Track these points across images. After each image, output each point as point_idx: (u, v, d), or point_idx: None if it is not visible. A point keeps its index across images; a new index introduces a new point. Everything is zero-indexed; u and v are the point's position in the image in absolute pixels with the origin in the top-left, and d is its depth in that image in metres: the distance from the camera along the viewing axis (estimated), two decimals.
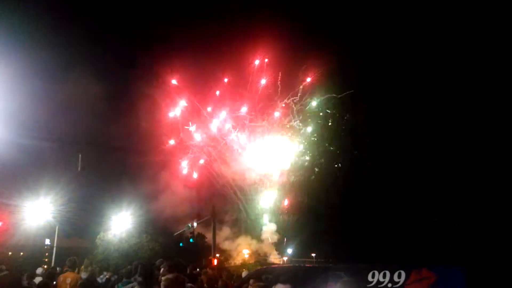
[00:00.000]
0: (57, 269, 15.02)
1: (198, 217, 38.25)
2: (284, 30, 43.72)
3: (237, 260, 48.05)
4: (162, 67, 47.58)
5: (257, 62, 46.91)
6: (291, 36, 44.29)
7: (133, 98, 47.21)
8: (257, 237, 49.01)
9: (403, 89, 25.79)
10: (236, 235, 49.22)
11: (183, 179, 48.00)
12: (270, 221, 48.37)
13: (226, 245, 47.94)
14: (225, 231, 48.37)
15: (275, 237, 48.74)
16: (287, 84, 47.01)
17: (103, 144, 46.06)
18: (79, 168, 26.10)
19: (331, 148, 30.73)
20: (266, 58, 46.82)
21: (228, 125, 48.16)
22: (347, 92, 35.35)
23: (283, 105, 47.01)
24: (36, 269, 17.24)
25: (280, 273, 12.07)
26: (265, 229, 49.05)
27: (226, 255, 47.87)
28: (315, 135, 37.69)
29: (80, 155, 25.91)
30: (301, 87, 45.97)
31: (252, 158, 47.30)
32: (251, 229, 49.02)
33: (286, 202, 45.24)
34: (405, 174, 21.84)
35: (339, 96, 37.25)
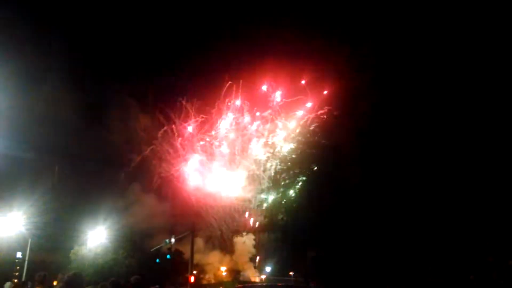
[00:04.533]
0: (29, 283, 14.47)
1: (175, 233, 37.67)
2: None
3: (214, 277, 47.41)
4: (140, 80, 47.52)
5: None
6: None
7: (110, 110, 46.62)
8: (233, 253, 48.61)
9: (384, 107, 26.03)
10: (211, 251, 48.72)
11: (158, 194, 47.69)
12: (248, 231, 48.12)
13: (202, 261, 47.29)
14: (201, 247, 47.79)
15: (253, 251, 48.44)
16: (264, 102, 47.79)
17: (79, 156, 45.21)
18: (55, 180, 25.48)
19: (313, 167, 30.76)
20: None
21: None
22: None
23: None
24: (4, 283, 16.57)
25: None
26: (240, 246, 48.77)
27: (203, 272, 47.17)
28: (293, 155, 37.67)
29: (56, 167, 25.32)
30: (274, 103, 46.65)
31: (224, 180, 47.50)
32: (226, 246, 48.68)
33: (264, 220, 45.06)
34: (387, 195, 21.91)
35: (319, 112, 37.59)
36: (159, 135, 47.44)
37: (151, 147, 47.26)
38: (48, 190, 34.45)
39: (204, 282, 45.83)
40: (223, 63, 47.78)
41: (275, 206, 36.63)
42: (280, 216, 34.00)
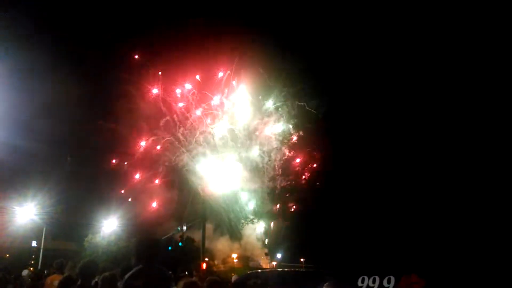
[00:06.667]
0: (45, 271, 14.85)
1: (186, 220, 38.04)
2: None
3: (226, 264, 47.90)
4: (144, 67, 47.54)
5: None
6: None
7: (122, 99, 46.72)
8: (244, 240, 49.02)
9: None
10: (222, 239, 49.14)
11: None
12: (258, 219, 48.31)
13: (214, 249, 47.74)
14: (210, 235, 48.21)
15: (264, 238, 48.81)
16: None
17: (90, 146, 45.72)
18: (68, 170, 25.90)
19: (323, 153, 30.82)
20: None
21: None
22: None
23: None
24: (22, 271, 17.04)
25: (269, 277, 12.04)
26: (251, 232, 49.13)
27: (213, 259, 47.66)
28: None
29: (68, 158, 25.70)
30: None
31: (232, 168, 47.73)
32: (235, 233, 49.10)
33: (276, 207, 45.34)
34: (400, 186, 21.96)
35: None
36: (161, 124, 47.73)
37: (152, 138, 47.55)
38: (61, 180, 34.96)
39: (215, 269, 46.33)
40: (224, 53, 47.48)
41: (285, 193, 36.88)
42: (290, 203, 34.25)
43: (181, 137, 48.02)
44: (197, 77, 48.43)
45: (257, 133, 47.48)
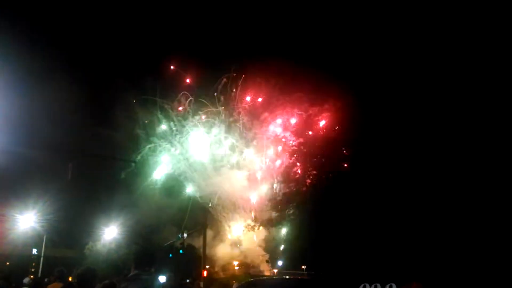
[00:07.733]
0: (45, 279, 14.80)
1: (186, 227, 38.06)
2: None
3: (227, 272, 47.75)
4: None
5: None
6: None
7: (113, 107, 46.88)
8: (245, 247, 48.93)
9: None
10: (222, 246, 49.06)
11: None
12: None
13: (214, 256, 47.64)
14: (210, 242, 48.15)
15: (264, 245, 48.72)
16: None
17: (93, 153, 45.76)
18: (69, 177, 25.84)
19: (323, 160, 30.79)
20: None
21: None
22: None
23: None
24: (23, 279, 16.97)
25: (270, 285, 12.02)
26: (252, 239, 49.08)
27: (214, 266, 47.56)
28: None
29: (71, 164, 25.66)
30: None
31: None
32: (234, 241, 49.09)
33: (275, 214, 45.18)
34: (402, 191, 21.86)
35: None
36: (158, 132, 47.93)
37: (149, 146, 47.67)
38: (62, 188, 34.97)
39: (216, 276, 46.20)
40: (226, 60, 47.75)
41: (286, 200, 36.69)
42: (291, 210, 34.14)
43: (178, 144, 48.18)
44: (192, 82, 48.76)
45: (254, 142, 47.67)
